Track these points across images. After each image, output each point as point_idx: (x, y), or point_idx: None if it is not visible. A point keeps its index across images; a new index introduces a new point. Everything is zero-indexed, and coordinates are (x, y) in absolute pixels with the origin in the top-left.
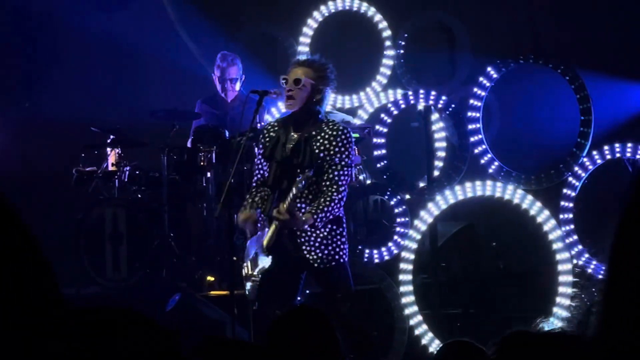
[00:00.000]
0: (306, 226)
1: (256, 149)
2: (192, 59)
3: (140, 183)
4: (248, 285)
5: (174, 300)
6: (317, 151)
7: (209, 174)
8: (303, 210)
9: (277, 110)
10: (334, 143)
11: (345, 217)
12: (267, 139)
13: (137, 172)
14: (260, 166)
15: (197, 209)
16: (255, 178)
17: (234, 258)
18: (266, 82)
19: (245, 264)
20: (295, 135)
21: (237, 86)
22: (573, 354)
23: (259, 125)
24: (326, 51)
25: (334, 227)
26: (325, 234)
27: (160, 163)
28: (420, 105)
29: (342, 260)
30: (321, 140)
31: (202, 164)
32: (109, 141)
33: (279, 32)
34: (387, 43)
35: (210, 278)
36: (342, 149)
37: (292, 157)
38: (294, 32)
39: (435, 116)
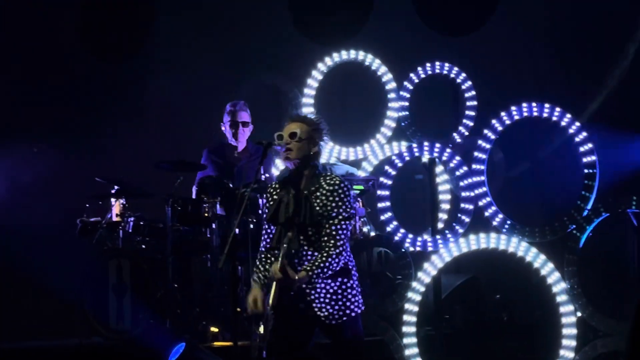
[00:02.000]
0: (299, 284)
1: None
2: (196, 110)
3: (144, 234)
4: (259, 344)
5: (178, 351)
6: (317, 208)
7: (213, 225)
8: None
9: (281, 162)
10: (330, 198)
11: (355, 267)
12: (271, 202)
13: (142, 223)
14: (267, 230)
15: (201, 260)
16: (263, 243)
17: (238, 309)
18: (270, 133)
19: (260, 323)
20: (295, 194)
21: (249, 131)
22: None
23: (263, 177)
24: (330, 102)
25: (344, 279)
26: (335, 288)
27: (165, 214)
28: (425, 158)
29: (353, 314)
30: (320, 197)
31: (206, 215)
32: (113, 192)
33: (283, 83)
34: (392, 95)
35: (213, 329)
36: (340, 202)
37: (294, 216)
38: (298, 83)
39: (439, 168)
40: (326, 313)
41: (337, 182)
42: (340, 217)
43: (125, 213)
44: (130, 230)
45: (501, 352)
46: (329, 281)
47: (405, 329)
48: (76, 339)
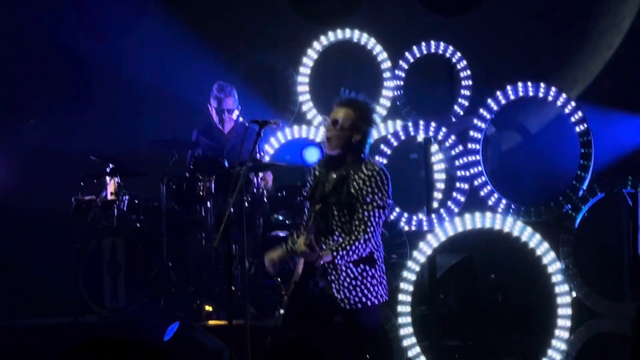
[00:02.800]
0: (322, 262)
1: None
2: (191, 88)
3: (139, 212)
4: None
5: (172, 330)
6: (352, 190)
7: (208, 204)
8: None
9: (276, 141)
10: (367, 183)
11: (382, 257)
12: (312, 180)
13: (136, 201)
14: (307, 208)
15: (196, 238)
16: (305, 218)
17: (232, 288)
18: (266, 111)
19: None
20: (335, 176)
21: (234, 116)
22: None
23: (258, 155)
24: (326, 82)
25: (367, 267)
26: (357, 274)
27: (159, 192)
28: (420, 137)
29: (370, 304)
30: (357, 180)
31: (201, 193)
32: (108, 170)
33: (278, 62)
34: (387, 74)
35: (208, 308)
36: (376, 189)
37: (330, 196)
38: (294, 63)
39: (435, 148)
40: (342, 296)
41: (377, 169)
42: (374, 203)
43: (120, 191)
44: (124, 209)
45: (496, 332)
46: (351, 266)
47: (400, 308)
48: (70, 317)
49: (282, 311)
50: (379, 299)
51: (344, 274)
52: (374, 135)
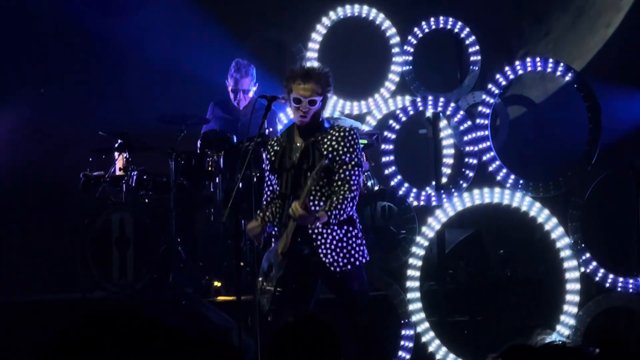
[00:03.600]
0: (319, 224)
1: (264, 165)
2: (200, 64)
3: (147, 188)
4: (263, 299)
5: (181, 306)
6: (325, 152)
7: (217, 179)
8: (317, 209)
9: (285, 116)
10: (342, 143)
11: (359, 219)
12: (272, 154)
13: (145, 177)
14: (269, 182)
15: (205, 214)
16: (265, 195)
17: (241, 264)
18: (274, 87)
19: (259, 278)
20: (300, 143)
21: (250, 94)
22: None
23: (267, 130)
24: (335, 57)
25: (350, 227)
26: (341, 235)
27: (168, 168)
28: (429, 112)
29: (357, 263)
30: (328, 142)
31: (209, 169)
32: (116, 145)
33: (287, 37)
34: (396, 49)
35: (217, 284)
36: (351, 148)
37: (301, 162)
38: (302, 38)
39: (443, 123)
40: (331, 260)
41: (347, 129)
42: (352, 162)
43: (128, 167)
44: (133, 184)
45: (504, 308)
46: (335, 228)
47: (408, 283)
48: (79, 293)
49: (264, 298)
50: (365, 257)
51: (330, 237)
52: (376, 114)
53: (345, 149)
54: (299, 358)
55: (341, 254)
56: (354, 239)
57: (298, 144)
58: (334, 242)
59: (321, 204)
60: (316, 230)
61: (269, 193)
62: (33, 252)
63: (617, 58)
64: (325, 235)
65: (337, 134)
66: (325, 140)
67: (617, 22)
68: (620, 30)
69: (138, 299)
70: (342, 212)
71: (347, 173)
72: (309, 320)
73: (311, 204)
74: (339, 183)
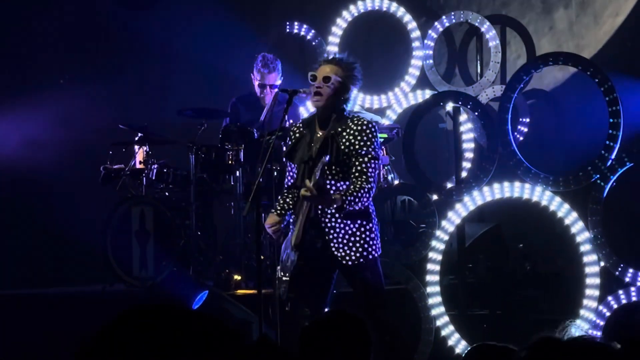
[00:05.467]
0: (333, 211)
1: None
2: (220, 57)
3: (167, 181)
4: (281, 288)
5: (201, 299)
6: (343, 147)
7: (237, 173)
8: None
9: (306, 110)
10: (359, 137)
11: (375, 212)
12: (294, 141)
13: (165, 170)
14: (288, 169)
15: (225, 207)
16: (286, 180)
17: (262, 257)
18: (295, 81)
19: (278, 267)
20: (321, 134)
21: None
22: None
23: (287, 124)
24: (355, 51)
25: (363, 222)
26: (354, 229)
27: (188, 161)
28: (449, 107)
29: (371, 257)
30: (347, 137)
31: (230, 162)
32: (137, 139)
33: (307, 31)
34: (416, 43)
35: (237, 277)
36: (368, 142)
37: (320, 155)
38: (323, 32)
39: (463, 117)
40: (343, 253)
41: (366, 122)
42: (369, 155)
43: (148, 160)
44: (153, 178)
45: (524, 302)
46: (348, 222)
47: (428, 277)
48: (99, 286)
49: (282, 287)
50: (378, 252)
51: (342, 231)
52: (396, 108)
53: (362, 143)
54: (330, 352)
55: (353, 248)
56: (367, 233)
57: (318, 135)
58: (347, 235)
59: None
60: (329, 224)
61: (289, 179)
62: (53, 245)
63: (622, 50)
64: (338, 230)
65: (355, 127)
66: (344, 134)
67: (626, 11)
68: (629, 20)
69: (158, 292)
70: (357, 200)
71: (364, 165)
72: (339, 314)
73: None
74: (356, 174)
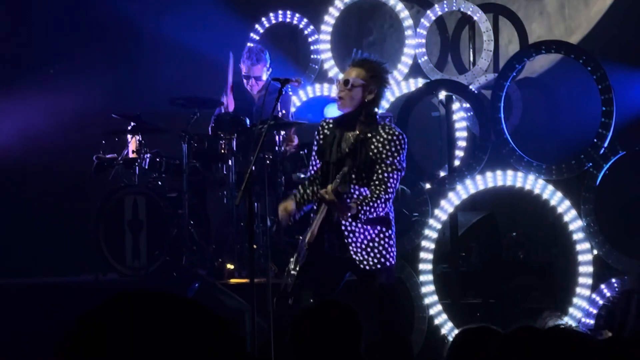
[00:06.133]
0: (349, 219)
1: (313, 145)
2: (213, 46)
3: (160, 170)
4: (287, 280)
5: (193, 289)
6: (370, 154)
7: (229, 162)
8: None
9: (298, 99)
10: (387, 147)
11: (394, 220)
12: (322, 137)
13: (158, 160)
14: (313, 162)
15: (218, 196)
16: (309, 174)
17: (254, 246)
18: (287, 70)
19: (291, 259)
20: (350, 136)
21: (264, 77)
22: (580, 353)
23: (280, 113)
24: (347, 40)
25: (383, 228)
26: (374, 235)
27: (181, 150)
28: (442, 95)
29: (388, 264)
30: (376, 143)
31: (222, 151)
32: (129, 128)
33: (300, 20)
34: (409, 32)
35: (230, 266)
36: (395, 153)
37: (347, 158)
38: (315, 21)
39: (456, 105)
40: (361, 258)
41: (397, 132)
42: (393, 166)
43: (141, 149)
44: (146, 167)
45: (517, 290)
46: (368, 227)
47: (421, 266)
48: (92, 276)
49: (289, 279)
50: (394, 258)
51: (361, 236)
52: (389, 96)
53: (389, 153)
54: (321, 341)
55: (372, 254)
56: (386, 240)
57: (348, 137)
58: (365, 241)
59: (355, 197)
60: (349, 228)
61: (312, 172)
62: (46, 234)
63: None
64: (357, 234)
65: (385, 136)
66: (374, 140)
67: None
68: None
69: (151, 281)
70: (372, 210)
71: (386, 175)
72: (330, 302)
73: (351, 193)
74: (377, 182)
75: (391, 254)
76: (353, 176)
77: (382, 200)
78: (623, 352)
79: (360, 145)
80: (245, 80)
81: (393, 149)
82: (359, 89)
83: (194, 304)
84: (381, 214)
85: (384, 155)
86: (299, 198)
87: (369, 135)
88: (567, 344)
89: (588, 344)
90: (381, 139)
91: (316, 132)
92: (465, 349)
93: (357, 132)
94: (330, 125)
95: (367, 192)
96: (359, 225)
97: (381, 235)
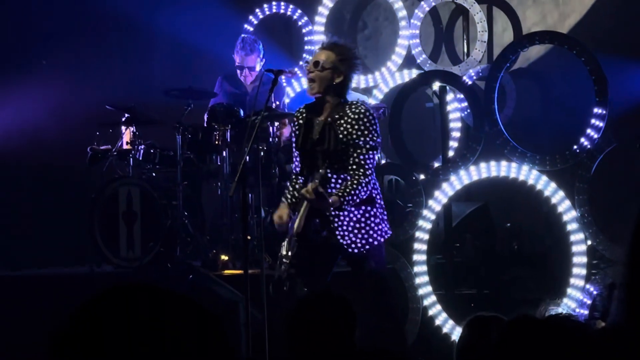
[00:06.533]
0: (332, 209)
1: (292, 137)
2: (207, 37)
3: (154, 161)
4: (280, 268)
5: (188, 280)
6: (340, 136)
7: (224, 153)
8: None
9: (292, 90)
10: (356, 126)
11: (380, 195)
12: (297, 128)
13: (152, 151)
14: (295, 155)
15: (212, 187)
16: (294, 167)
17: (248, 237)
18: (281, 61)
19: (283, 244)
20: (319, 122)
21: (257, 68)
22: (579, 341)
23: (274, 104)
24: (341, 31)
25: (367, 207)
26: (359, 216)
27: (175, 142)
28: (435, 86)
29: (376, 243)
30: (345, 125)
31: (216, 142)
32: (123, 119)
33: (294, 11)
34: (403, 23)
35: (224, 257)
36: (366, 131)
37: (318, 144)
38: (309, 12)
39: (450, 96)
40: (349, 241)
41: (363, 110)
42: (367, 145)
43: (135, 141)
44: (140, 158)
45: (511, 281)
46: (353, 209)
47: (415, 257)
48: (86, 267)
49: (283, 266)
50: (384, 236)
51: (347, 219)
52: (383, 87)
53: (360, 132)
54: (316, 331)
55: (359, 235)
56: (372, 219)
57: (317, 122)
58: (352, 223)
59: (337, 185)
60: (334, 212)
61: (296, 165)
62: (40, 226)
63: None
64: (342, 217)
65: (352, 115)
66: (342, 122)
67: None
68: None
69: (145, 273)
70: (355, 197)
71: (362, 157)
72: (324, 294)
73: (330, 180)
74: (354, 167)
75: (378, 232)
76: (327, 163)
77: (363, 184)
78: (616, 342)
79: (329, 130)
80: (238, 71)
81: (362, 127)
82: (328, 71)
83: (187, 299)
84: (364, 197)
85: (354, 137)
86: (290, 199)
87: (337, 117)
88: (564, 332)
89: (584, 333)
90: (349, 120)
91: (293, 124)
92: (477, 336)
93: (325, 117)
94: (304, 114)
95: (346, 176)
96: (346, 207)
97: (367, 215)
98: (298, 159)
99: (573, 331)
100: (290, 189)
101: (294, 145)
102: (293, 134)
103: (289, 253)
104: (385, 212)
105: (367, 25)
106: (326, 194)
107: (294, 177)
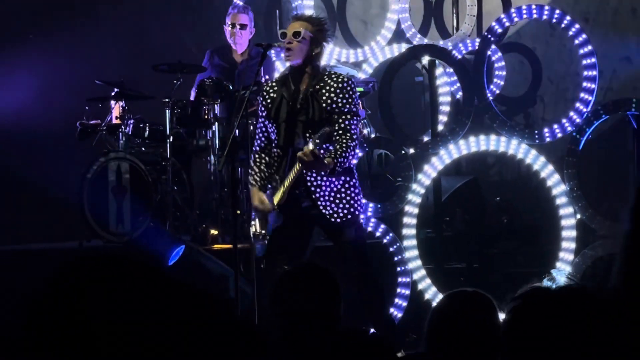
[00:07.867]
0: (322, 173)
1: (259, 111)
2: (197, 12)
3: (144, 136)
4: (258, 245)
5: (177, 254)
6: (324, 105)
7: (213, 127)
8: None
9: (282, 64)
10: (340, 95)
11: (355, 167)
12: (269, 100)
13: (141, 126)
14: (263, 129)
15: (201, 162)
16: (258, 142)
17: (238, 211)
18: (270, 39)
19: (253, 223)
20: (299, 91)
21: (247, 34)
22: (595, 310)
23: (263, 78)
24: (331, 5)
25: (347, 178)
26: (339, 186)
27: (164, 116)
28: (425, 60)
29: (357, 213)
30: (327, 94)
31: (206, 117)
32: (112, 94)
33: None
34: None
35: (213, 232)
36: (349, 99)
37: (300, 113)
38: None
39: (439, 70)
40: (330, 211)
41: (345, 79)
42: (352, 112)
43: (125, 115)
44: (129, 133)
45: (501, 255)
46: (333, 179)
47: (405, 231)
48: (76, 242)
49: (259, 244)
50: (362, 207)
51: (327, 189)
52: (372, 62)
53: (345, 100)
54: (300, 304)
55: (340, 205)
56: (352, 189)
57: (295, 93)
58: (332, 193)
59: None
60: (315, 183)
61: (262, 139)
62: (30, 201)
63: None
64: (323, 187)
65: (335, 85)
66: (324, 91)
67: None
68: None
69: (134, 247)
70: (346, 160)
71: (347, 123)
72: (308, 266)
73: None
74: (340, 132)
75: (358, 203)
76: (310, 132)
77: (352, 148)
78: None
79: (312, 98)
80: (229, 32)
81: (347, 95)
82: (307, 41)
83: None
84: (352, 161)
85: (340, 104)
86: (260, 181)
87: (318, 87)
88: (581, 301)
89: (599, 300)
90: (332, 89)
91: (260, 99)
92: (454, 309)
93: (306, 87)
94: (275, 87)
95: (328, 146)
96: (324, 178)
97: (347, 186)
98: (269, 131)
99: (589, 301)
100: (256, 169)
101: (263, 119)
102: (263, 108)
103: (262, 230)
104: (359, 185)
105: (356, 0)
106: (321, 156)
107: (257, 156)
